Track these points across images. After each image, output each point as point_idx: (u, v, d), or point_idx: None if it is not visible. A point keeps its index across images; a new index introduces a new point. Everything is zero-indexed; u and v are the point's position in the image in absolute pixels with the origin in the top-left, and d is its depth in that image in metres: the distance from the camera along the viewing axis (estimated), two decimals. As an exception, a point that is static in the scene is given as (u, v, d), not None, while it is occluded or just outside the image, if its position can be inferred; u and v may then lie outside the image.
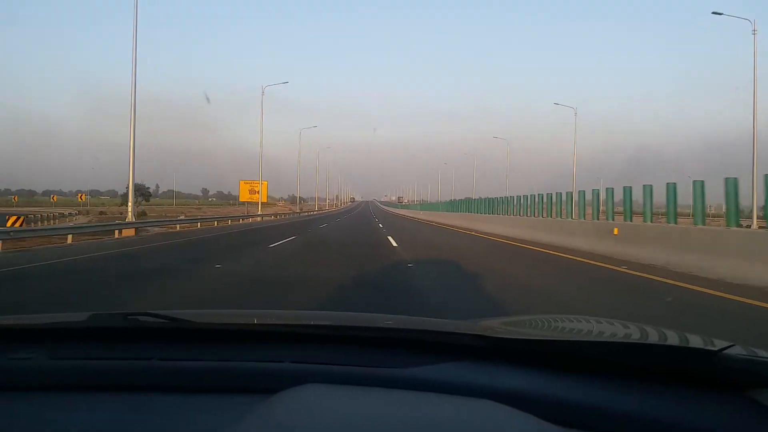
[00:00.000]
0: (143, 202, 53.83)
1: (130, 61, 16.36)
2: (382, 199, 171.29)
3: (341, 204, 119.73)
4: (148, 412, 0.78)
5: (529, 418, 0.69)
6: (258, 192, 36.61)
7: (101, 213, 43.04)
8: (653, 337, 1.09)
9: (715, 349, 0.82)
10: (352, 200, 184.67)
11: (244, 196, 38.69)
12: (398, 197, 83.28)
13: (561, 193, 12.92)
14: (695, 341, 1.01)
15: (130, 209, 17.08)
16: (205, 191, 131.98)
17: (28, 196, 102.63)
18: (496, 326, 1.16)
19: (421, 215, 39.01)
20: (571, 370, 0.86)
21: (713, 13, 20.16)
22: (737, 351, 0.83)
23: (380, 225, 23.05)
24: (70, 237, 12.76)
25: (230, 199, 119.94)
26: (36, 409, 0.80)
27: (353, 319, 1.25)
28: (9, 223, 13.53)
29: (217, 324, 1.11)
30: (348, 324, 1.14)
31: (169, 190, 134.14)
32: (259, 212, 32.98)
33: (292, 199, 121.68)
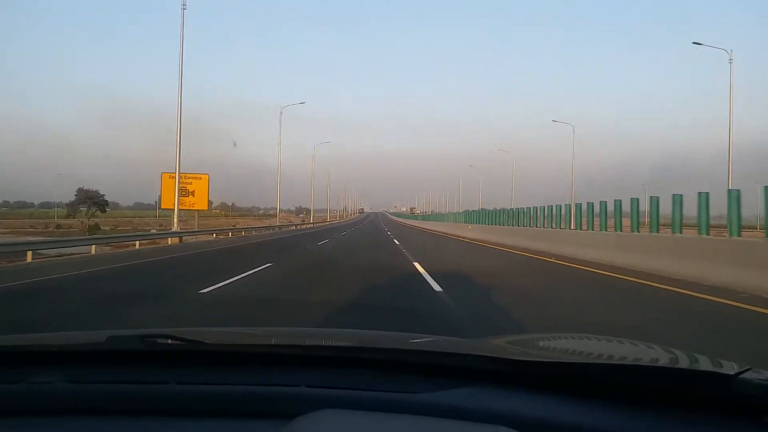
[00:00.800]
0: (96, 212, 44.13)
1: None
2: (391, 210, 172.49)
3: (348, 215, 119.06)
4: None
5: None
6: (191, 194, 22.85)
7: (57, 227, 40.07)
8: (667, 360, 1.10)
9: (732, 373, 0.83)
10: (361, 211, 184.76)
11: (168, 199, 21.06)
12: (410, 208, 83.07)
13: (592, 203, 12.51)
14: (711, 364, 1.01)
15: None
16: (210, 202, 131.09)
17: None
18: (506, 346, 1.18)
19: (441, 227, 34.07)
20: (584, 393, 0.88)
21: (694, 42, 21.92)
22: (754, 375, 0.83)
23: (396, 241, 19.19)
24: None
25: (238, 210, 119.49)
26: None
27: (367, 340, 1.26)
28: None
29: (233, 346, 1.14)
30: (362, 346, 1.16)
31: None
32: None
33: (299, 210, 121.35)
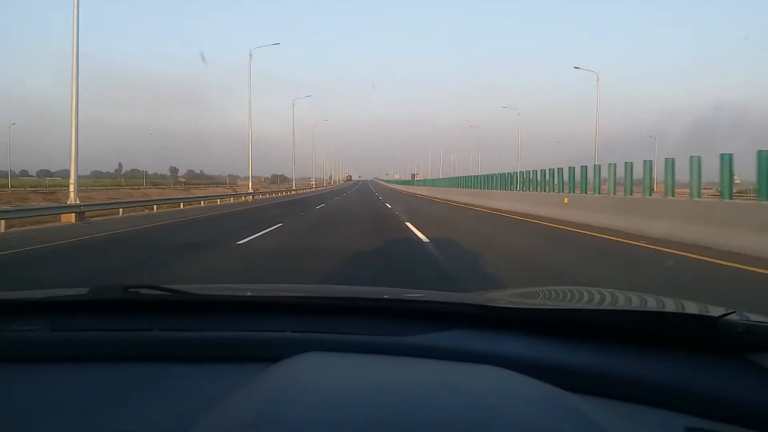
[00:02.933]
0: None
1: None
2: (383, 177, 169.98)
3: (328, 183, 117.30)
4: (150, 382, 0.86)
5: (532, 381, 0.76)
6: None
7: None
8: (655, 305, 1.21)
9: (717, 315, 0.92)
10: (349, 179, 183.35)
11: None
12: (412, 174, 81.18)
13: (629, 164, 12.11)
14: (697, 308, 1.09)
15: (72, 189, 14.55)
16: (173, 170, 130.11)
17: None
18: (499, 297, 1.26)
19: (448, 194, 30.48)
20: (572, 337, 0.95)
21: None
22: (737, 317, 0.92)
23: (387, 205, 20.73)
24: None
25: (202, 179, 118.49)
26: (39, 381, 0.88)
27: (355, 292, 1.36)
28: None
29: (218, 296, 1.22)
30: (349, 296, 1.25)
31: (132, 169, 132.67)
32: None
33: (274, 179, 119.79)
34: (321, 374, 0.80)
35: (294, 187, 55.51)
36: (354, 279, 5.27)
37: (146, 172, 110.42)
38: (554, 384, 0.76)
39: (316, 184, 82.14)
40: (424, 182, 54.51)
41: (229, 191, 41.44)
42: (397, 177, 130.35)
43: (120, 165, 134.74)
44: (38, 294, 1.18)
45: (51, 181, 73.45)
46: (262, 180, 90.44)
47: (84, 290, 1.10)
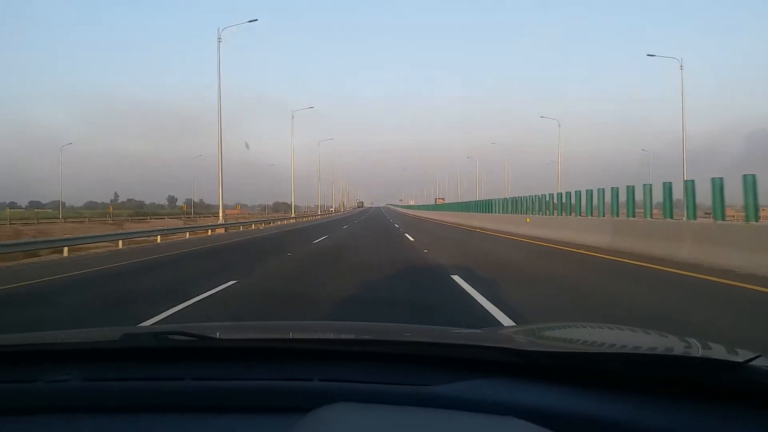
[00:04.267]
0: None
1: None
2: (397, 203, 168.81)
3: (338, 210, 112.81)
4: None
5: None
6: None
7: None
8: (678, 348, 1.23)
9: (741, 360, 0.92)
10: (360, 205, 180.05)
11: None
12: (436, 198, 78.16)
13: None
14: (721, 352, 1.14)
15: None
16: (171, 199, 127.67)
17: None
18: (520, 337, 1.33)
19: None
20: (596, 383, 0.99)
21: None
22: (763, 362, 0.91)
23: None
24: None
25: (201, 208, 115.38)
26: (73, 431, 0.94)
27: (379, 332, 1.44)
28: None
29: (245, 341, 1.31)
30: (375, 339, 1.31)
31: (129, 199, 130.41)
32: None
33: (277, 207, 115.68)
34: (349, 427, 0.84)
35: (293, 215, 50.06)
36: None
37: (143, 201, 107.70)
38: None
39: (322, 213, 77.43)
40: (448, 207, 50.25)
41: (188, 223, 34.89)
42: (412, 202, 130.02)
43: (116, 195, 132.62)
44: (70, 338, 1.27)
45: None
46: (237, 210, 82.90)
47: (116, 335, 1.16)
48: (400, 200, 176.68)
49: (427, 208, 68.89)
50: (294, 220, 45.17)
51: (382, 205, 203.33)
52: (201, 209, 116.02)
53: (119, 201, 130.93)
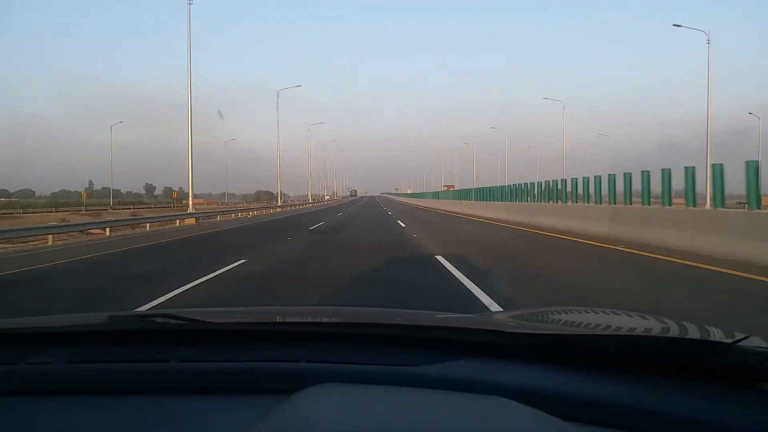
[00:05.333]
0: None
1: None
2: (392, 191, 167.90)
3: (331, 199, 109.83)
4: (167, 414, 0.93)
5: (538, 415, 0.81)
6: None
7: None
8: (665, 330, 1.27)
9: (730, 341, 0.95)
10: (354, 194, 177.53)
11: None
12: (445, 186, 75.41)
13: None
14: (709, 333, 1.16)
15: None
16: (149, 187, 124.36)
17: None
18: (507, 320, 1.36)
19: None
20: (583, 364, 1.02)
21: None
22: (752, 342, 0.94)
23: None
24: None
25: (183, 198, 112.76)
26: (56, 414, 0.95)
27: (366, 316, 1.46)
28: None
29: (233, 324, 1.32)
30: (361, 322, 1.33)
31: (104, 188, 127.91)
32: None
33: (259, 196, 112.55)
34: (335, 407, 0.87)
35: (279, 203, 47.53)
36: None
37: (119, 191, 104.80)
38: (563, 415, 0.83)
39: (313, 201, 74.08)
40: (445, 195, 48.23)
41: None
42: (409, 191, 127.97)
43: (91, 183, 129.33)
44: (54, 322, 1.29)
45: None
46: (202, 201, 78.35)
47: (101, 318, 1.17)
48: (396, 189, 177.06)
49: (422, 196, 66.05)
50: (280, 209, 42.69)
51: (377, 194, 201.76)
52: (182, 197, 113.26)
53: (94, 189, 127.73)
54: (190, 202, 27.46)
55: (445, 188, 63.80)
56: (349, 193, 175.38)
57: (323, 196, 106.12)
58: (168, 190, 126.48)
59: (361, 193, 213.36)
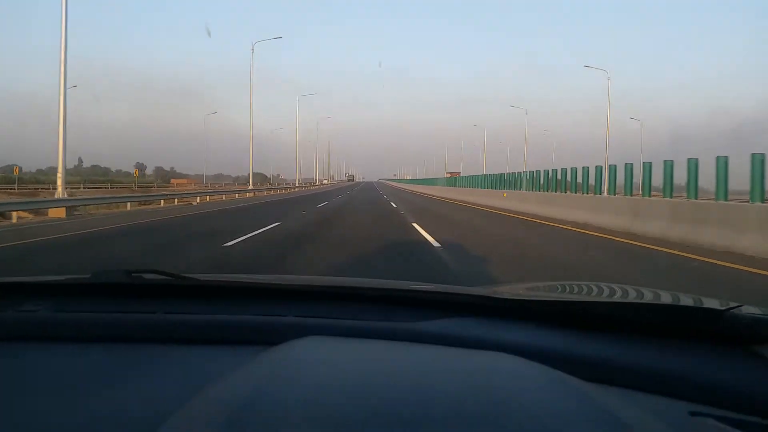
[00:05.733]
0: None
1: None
2: (391, 177, 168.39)
3: (323, 183, 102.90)
4: (150, 362, 0.94)
5: (542, 368, 0.81)
6: None
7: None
8: (664, 299, 1.29)
9: (723, 308, 0.99)
10: (351, 179, 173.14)
11: None
12: (449, 173, 68.21)
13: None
14: (705, 302, 1.18)
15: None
16: (140, 166, 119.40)
17: None
18: (509, 290, 1.36)
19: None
20: (580, 328, 1.03)
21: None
22: (745, 310, 1.00)
23: None
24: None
25: (174, 176, 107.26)
26: (41, 359, 0.96)
27: (362, 283, 1.41)
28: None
29: (223, 281, 1.31)
30: (355, 285, 1.33)
31: (93, 165, 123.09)
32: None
33: (250, 178, 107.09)
34: (321, 357, 0.86)
35: (251, 186, 41.00)
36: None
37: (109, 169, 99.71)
38: (568, 370, 0.83)
39: (302, 185, 66.98)
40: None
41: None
42: (408, 177, 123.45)
43: (80, 160, 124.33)
44: (45, 278, 1.29)
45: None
46: (185, 182, 72.23)
47: (89, 274, 1.19)
48: (394, 174, 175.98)
49: (433, 183, 60.13)
50: (252, 194, 36.78)
51: (375, 179, 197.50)
52: (172, 176, 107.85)
53: (83, 167, 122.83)
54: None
55: (449, 175, 58.04)
56: (346, 177, 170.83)
57: (314, 180, 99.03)
58: (159, 170, 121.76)
59: (358, 178, 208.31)
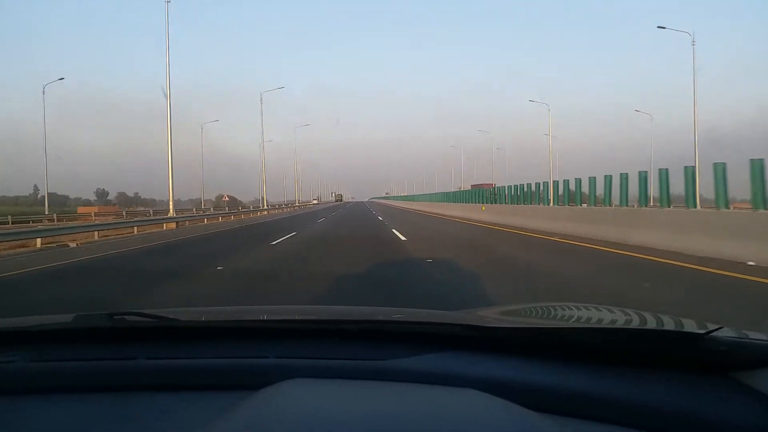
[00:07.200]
0: None
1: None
2: (382, 195, 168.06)
3: (305, 205, 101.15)
4: (133, 411, 0.97)
5: (510, 406, 0.85)
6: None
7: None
8: (640, 323, 1.35)
9: (702, 332, 1.02)
10: (339, 198, 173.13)
11: None
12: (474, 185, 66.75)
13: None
14: (683, 325, 1.24)
15: None
16: (101, 193, 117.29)
17: None
18: (486, 315, 1.42)
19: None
20: (557, 357, 1.07)
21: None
22: (725, 333, 1.01)
23: None
24: None
25: (137, 203, 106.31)
26: (18, 412, 0.98)
27: (341, 314, 1.55)
28: None
29: (203, 322, 1.38)
30: (331, 318, 1.42)
31: (50, 193, 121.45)
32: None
33: (218, 203, 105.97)
34: (301, 401, 0.90)
35: (171, 213, 28.56)
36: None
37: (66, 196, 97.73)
38: (535, 406, 0.87)
39: (273, 208, 59.16)
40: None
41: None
42: (403, 194, 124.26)
43: (35, 188, 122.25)
44: (22, 322, 1.30)
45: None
46: (96, 209, 55.86)
47: (69, 317, 1.21)
48: (386, 192, 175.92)
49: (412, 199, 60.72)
50: (174, 225, 25.08)
51: (366, 199, 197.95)
52: (136, 203, 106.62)
53: (39, 195, 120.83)
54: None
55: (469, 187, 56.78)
56: (334, 198, 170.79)
57: (314, 199, 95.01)
58: (122, 196, 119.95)
59: (348, 198, 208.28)
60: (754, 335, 1.03)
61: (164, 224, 25.02)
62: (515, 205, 20.84)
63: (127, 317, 1.17)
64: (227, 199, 56.48)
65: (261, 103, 48.07)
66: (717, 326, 1.01)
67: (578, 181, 15.76)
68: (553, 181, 18.22)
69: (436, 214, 33.36)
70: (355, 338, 1.19)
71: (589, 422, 0.88)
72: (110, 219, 30.71)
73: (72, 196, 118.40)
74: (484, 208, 21.58)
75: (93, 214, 45.97)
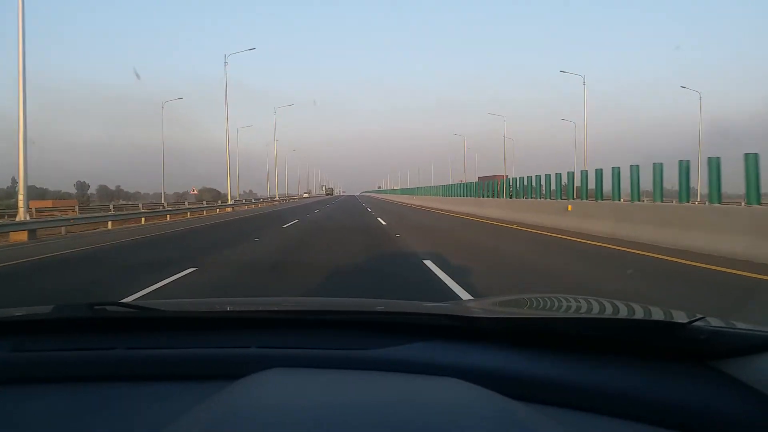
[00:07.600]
0: None
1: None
2: (374, 189, 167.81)
3: (284, 199, 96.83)
4: (111, 401, 0.97)
5: (492, 395, 0.86)
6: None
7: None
8: (623, 312, 1.38)
9: (684, 321, 1.04)
10: (330, 192, 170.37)
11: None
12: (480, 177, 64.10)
13: None
14: (664, 315, 1.25)
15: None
16: (82, 185, 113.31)
17: None
18: (473, 306, 1.45)
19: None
20: (542, 347, 1.09)
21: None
22: (706, 323, 1.03)
23: None
24: None
25: (120, 197, 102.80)
26: None
27: (324, 305, 1.54)
28: None
29: (183, 312, 1.38)
30: (315, 309, 1.41)
31: (30, 186, 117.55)
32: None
33: (202, 194, 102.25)
34: (282, 390, 0.90)
35: (164, 205, 30.94)
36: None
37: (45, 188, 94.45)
38: (517, 395, 0.88)
39: (255, 202, 55.20)
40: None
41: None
42: (396, 188, 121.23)
43: (13, 180, 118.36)
44: (2, 314, 1.29)
45: None
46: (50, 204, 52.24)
47: (48, 309, 1.21)
48: (378, 186, 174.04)
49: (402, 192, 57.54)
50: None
51: (357, 193, 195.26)
52: (118, 197, 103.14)
53: (17, 188, 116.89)
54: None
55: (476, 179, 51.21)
56: (324, 191, 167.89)
57: (305, 193, 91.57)
58: (103, 189, 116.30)
59: (338, 192, 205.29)
60: (739, 325, 1.07)
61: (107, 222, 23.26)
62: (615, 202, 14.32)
63: (107, 308, 1.19)
64: (196, 192, 52.95)
65: (225, 66, 39.91)
66: (700, 316, 1.05)
67: (636, 168, 13.02)
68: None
69: (467, 215, 24.14)
70: (340, 328, 1.21)
71: (570, 411, 0.90)
72: (69, 213, 27.18)
73: (52, 189, 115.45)
74: (570, 208, 15.05)
75: (60, 206, 42.92)
